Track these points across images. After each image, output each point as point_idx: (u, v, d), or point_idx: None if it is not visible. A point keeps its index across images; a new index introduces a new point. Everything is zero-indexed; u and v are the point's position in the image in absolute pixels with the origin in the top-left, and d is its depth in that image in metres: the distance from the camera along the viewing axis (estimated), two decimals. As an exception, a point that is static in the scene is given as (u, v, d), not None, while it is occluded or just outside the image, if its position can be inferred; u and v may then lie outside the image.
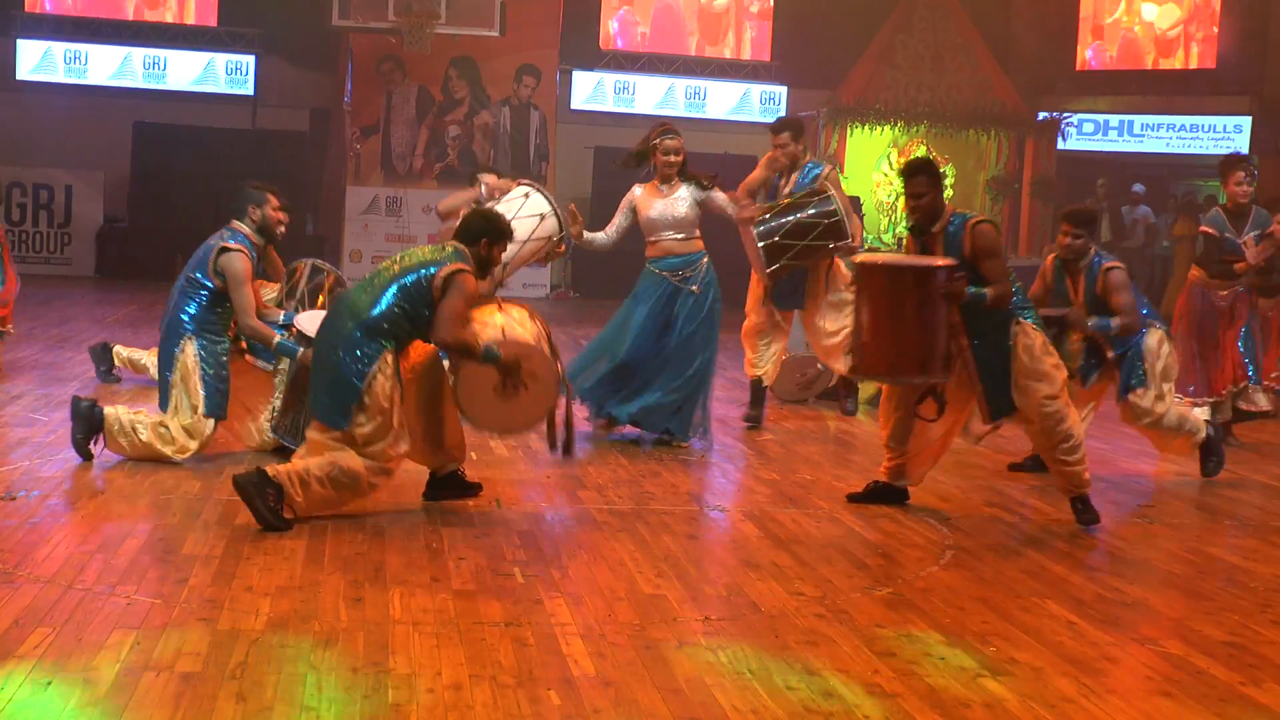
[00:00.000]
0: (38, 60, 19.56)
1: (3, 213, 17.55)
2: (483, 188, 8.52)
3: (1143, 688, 4.39)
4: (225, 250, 6.97)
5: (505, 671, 4.22)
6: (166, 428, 7.00)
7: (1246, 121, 21.39)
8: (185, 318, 7.04)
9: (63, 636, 4.36)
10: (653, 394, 8.15)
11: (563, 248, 8.52)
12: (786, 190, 8.98)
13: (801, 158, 9.04)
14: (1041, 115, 21.44)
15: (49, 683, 3.96)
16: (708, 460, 8.02)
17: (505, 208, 8.33)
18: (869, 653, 4.58)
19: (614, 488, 7.14)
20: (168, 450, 6.99)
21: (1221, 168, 9.42)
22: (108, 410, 7.01)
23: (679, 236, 8.11)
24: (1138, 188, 22.70)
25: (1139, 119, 22.05)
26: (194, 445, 7.04)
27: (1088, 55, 22.52)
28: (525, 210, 8.27)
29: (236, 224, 7.13)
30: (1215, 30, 21.55)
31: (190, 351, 7.01)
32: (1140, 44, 22.23)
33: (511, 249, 7.80)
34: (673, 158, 8.07)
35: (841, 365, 9.10)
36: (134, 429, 6.98)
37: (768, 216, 8.76)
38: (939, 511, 6.83)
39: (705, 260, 8.22)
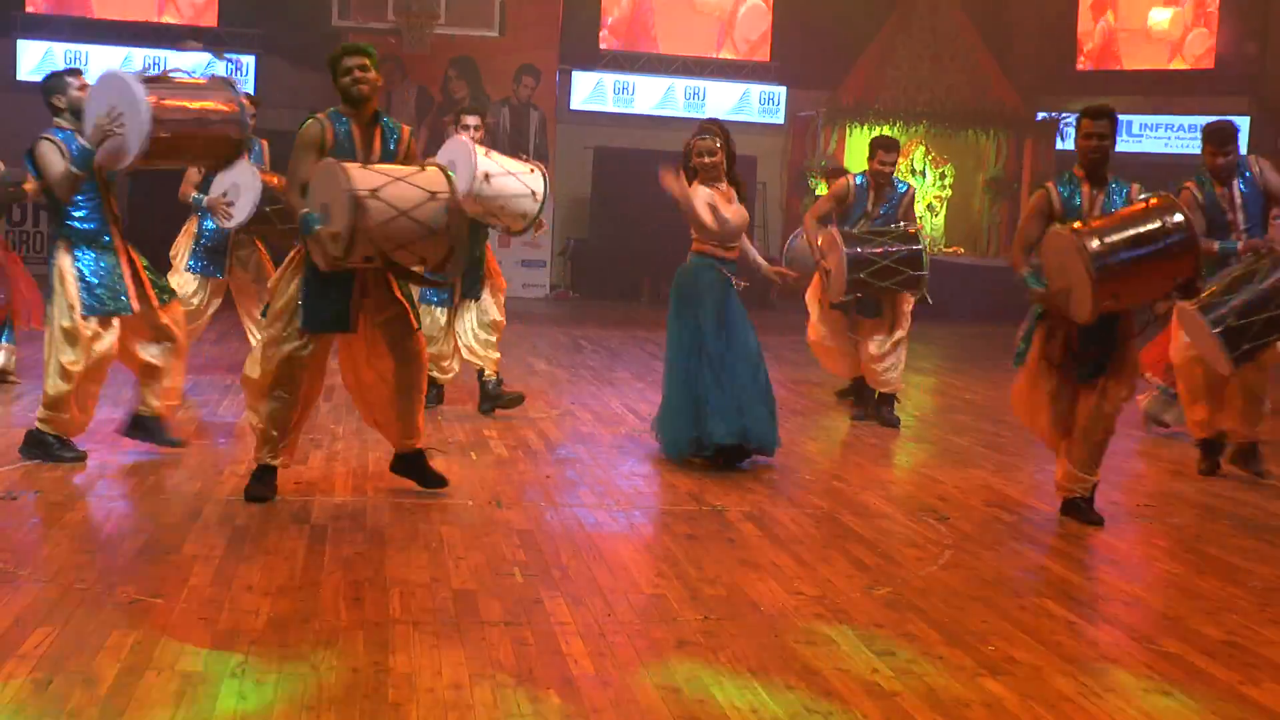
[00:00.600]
0: (38, 60, 19.52)
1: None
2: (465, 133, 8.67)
3: (1141, 687, 4.39)
4: (30, 151, 6.80)
5: (505, 671, 4.23)
6: (53, 359, 6.76)
7: (1245, 122, 21.35)
8: (56, 229, 6.89)
9: (64, 636, 4.37)
10: (749, 407, 7.64)
11: (543, 224, 8.66)
12: (877, 212, 9.17)
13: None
14: (1040, 115, 21.44)
15: (50, 682, 3.97)
16: (705, 460, 8.00)
17: (500, 159, 8.32)
18: (868, 652, 4.58)
19: (613, 488, 7.14)
20: (61, 383, 6.74)
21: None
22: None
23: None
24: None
25: (1138, 119, 22.02)
26: (77, 358, 6.72)
27: (1088, 50, 22.48)
28: (522, 166, 8.34)
29: (55, 121, 6.91)
30: (1214, 31, 21.54)
31: (64, 254, 6.81)
32: (1139, 45, 22.23)
33: (497, 175, 7.72)
34: (707, 159, 7.61)
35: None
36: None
37: (858, 247, 8.81)
38: (938, 511, 6.84)
39: None
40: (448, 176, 6.06)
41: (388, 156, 6.27)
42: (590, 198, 19.80)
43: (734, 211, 7.66)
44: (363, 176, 5.86)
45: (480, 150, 8.24)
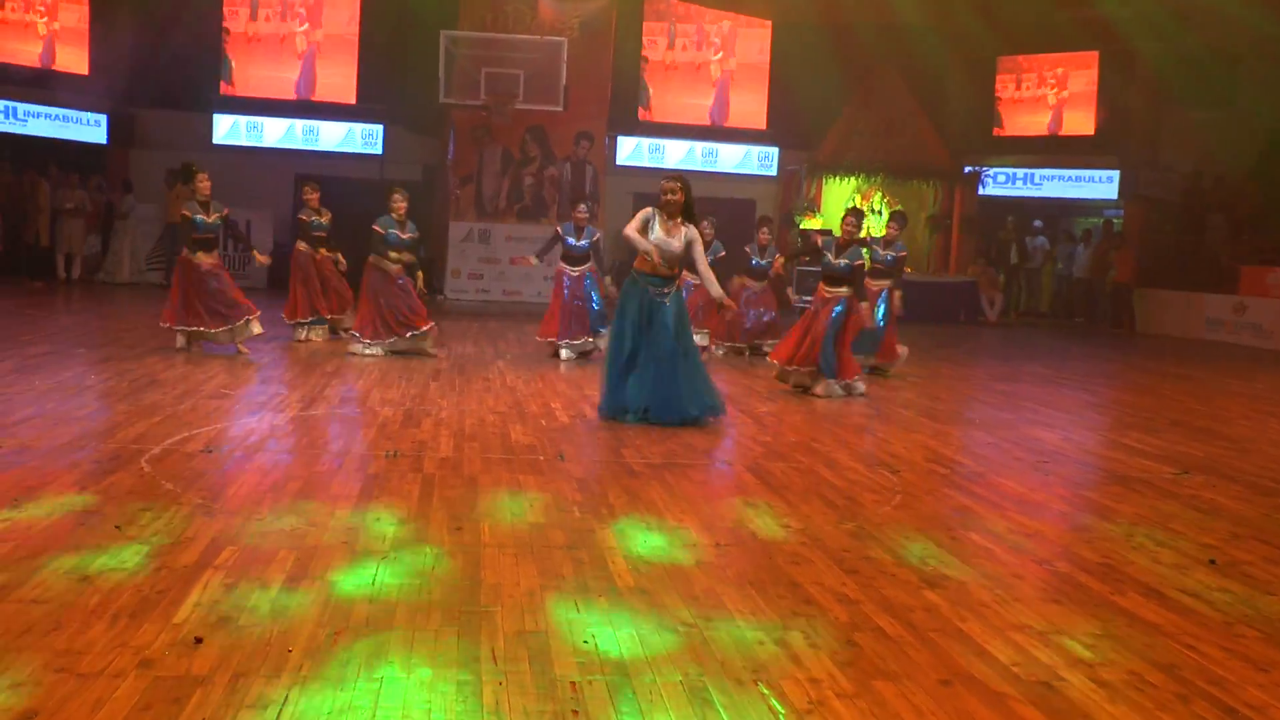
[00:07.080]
0: (228, 129, 19.73)
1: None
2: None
3: (1039, 596, 4.35)
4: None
5: (566, 582, 4.22)
6: None
7: (1115, 174, 21.33)
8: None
9: (244, 552, 4.39)
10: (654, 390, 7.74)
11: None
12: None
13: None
14: (967, 169, 21.33)
15: (235, 584, 3.99)
16: (719, 427, 7.97)
17: None
18: (839, 570, 4.56)
19: (648, 446, 7.12)
20: None
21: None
22: None
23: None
24: (1037, 223, 22.54)
25: (1038, 172, 21.92)
26: None
27: (1001, 120, 22.34)
28: None
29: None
30: (1094, 109, 21.58)
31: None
32: (1040, 116, 22.08)
33: None
34: (668, 195, 7.59)
35: None
36: None
37: None
38: (890, 465, 6.80)
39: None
40: None
41: None
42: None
43: (666, 240, 7.56)
44: None
45: None
